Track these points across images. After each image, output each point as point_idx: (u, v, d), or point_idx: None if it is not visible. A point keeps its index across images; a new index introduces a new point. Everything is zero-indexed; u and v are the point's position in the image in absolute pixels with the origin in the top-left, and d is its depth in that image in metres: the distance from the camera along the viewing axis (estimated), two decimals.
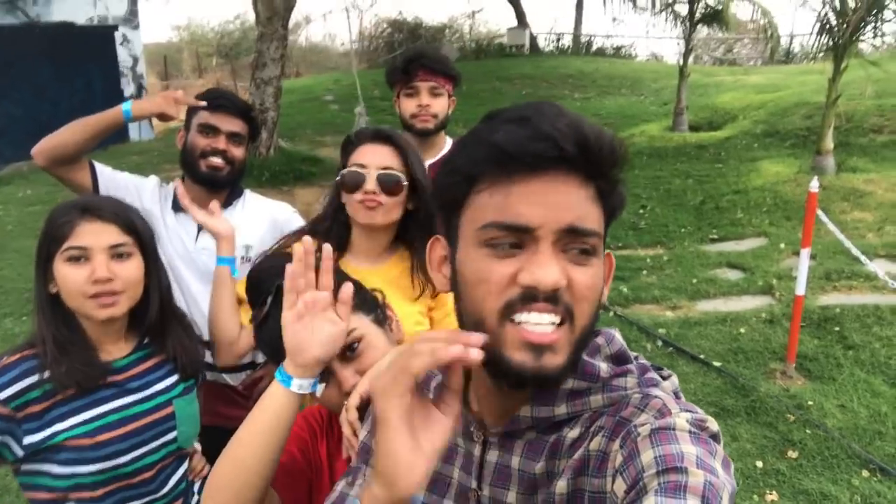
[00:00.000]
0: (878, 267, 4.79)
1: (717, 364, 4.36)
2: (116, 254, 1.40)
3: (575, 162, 0.69)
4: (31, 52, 11.21)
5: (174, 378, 1.55)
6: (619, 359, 0.80)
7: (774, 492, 3.19)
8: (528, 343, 0.69)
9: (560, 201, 0.69)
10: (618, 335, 0.82)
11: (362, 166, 1.63)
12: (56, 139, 1.98)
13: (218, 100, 2.04)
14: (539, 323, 0.69)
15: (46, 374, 1.37)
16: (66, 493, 1.39)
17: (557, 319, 0.69)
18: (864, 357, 4.34)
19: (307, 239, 1.04)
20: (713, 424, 0.70)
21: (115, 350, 1.48)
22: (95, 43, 12.51)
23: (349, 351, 1.15)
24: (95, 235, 1.37)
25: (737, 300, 5.36)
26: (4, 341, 4.69)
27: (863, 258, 4.50)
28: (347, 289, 1.08)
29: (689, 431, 0.67)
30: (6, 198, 8.95)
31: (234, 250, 1.79)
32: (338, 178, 1.68)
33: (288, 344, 1.03)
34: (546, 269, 0.68)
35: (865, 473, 3.29)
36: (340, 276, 1.16)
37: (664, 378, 0.79)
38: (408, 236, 1.72)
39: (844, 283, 5.36)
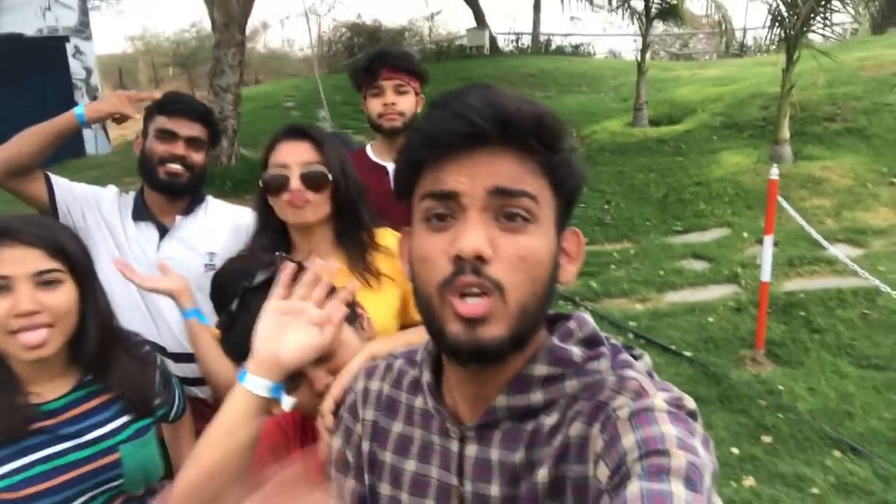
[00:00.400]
0: (838, 251, 4.90)
1: (688, 354, 4.42)
2: (42, 282, 1.24)
3: (495, 135, 0.71)
4: None
5: (123, 419, 1.38)
6: (590, 342, 0.79)
7: (751, 477, 3.23)
8: (461, 316, 0.71)
9: (487, 170, 0.72)
10: (589, 318, 0.82)
11: (284, 166, 1.60)
12: (8, 150, 1.89)
13: (175, 104, 1.97)
14: (469, 294, 0.71)
15: None
16: None
17: (482, 289, 0.71)
18: (830, 340, 4.44)
19: (333, 263, 1.04)
20: (690, 402, 0.71)
21: (49, 391, 1.32)
22: (47, 55, 12.19)
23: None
24: (16, 263, 1.22)
25: (704, 290, 5.44)
26: None
27: (824, 243, 4.60)
28: (339, 311, 1.04)
29: (668, 411, 0.67)
30: None
31: (193, 300, 1.72)
32: (260, 182, 1.63)
33: (258, 333, 0.98)
34: (468, 236, 0.70)
35: (837, 453, 3.35)
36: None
37: (636, 358, 0.79)
38: (341, 230, 1.69)
39: (807, 268, 5.48)
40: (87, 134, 12.65)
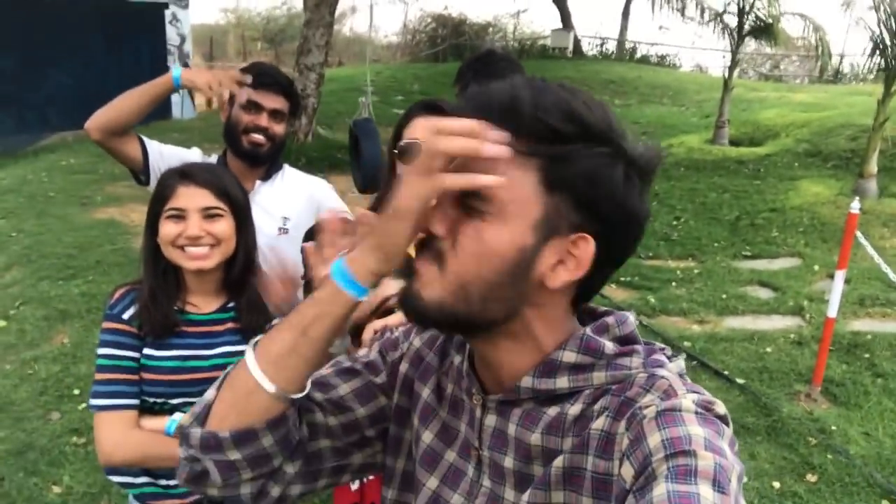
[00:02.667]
0: None
1: (740, 381, 4.32)
2: (208, 215, 1.56)
3: (473, 115, 0.70)
4: (84, 24, 11.47)
5: (243, 346, 1.61)
6: (626, 341, 0.78)
7: None
8: (408, 266, 0.75)
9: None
10: (631, 318, 0.80)
11: (418, 140, 1.66)
12: (110, 111, 2.03)
13: (262, 76, 2.09)
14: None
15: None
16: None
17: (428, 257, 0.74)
18: (894, 386, 4.26)
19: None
20: (720, 407, 0.68)
21: (203, 304, 1.63)
22: (145, 19, 12.75)
23: (385, 314, 1.19)
24: (191, 198, 1.55)
25: (766, 319, 5.29)
26: (42, 303, 4.83)
27: None
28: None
29: (696, 412, 0.66)
30: (51, 165, 9.19)
31: None
32: (395, 151, 1.71)
33: None
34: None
35: (886, 503, 3.23)
36: None
37: (670, 360, 0.77)
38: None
39: (878, 309, 5.26)
40: (175, 98, 13.16)
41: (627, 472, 0.64)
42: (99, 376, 1.54)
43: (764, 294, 5.75)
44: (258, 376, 0.79)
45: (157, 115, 11.00)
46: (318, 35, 9.40)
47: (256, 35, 25.79)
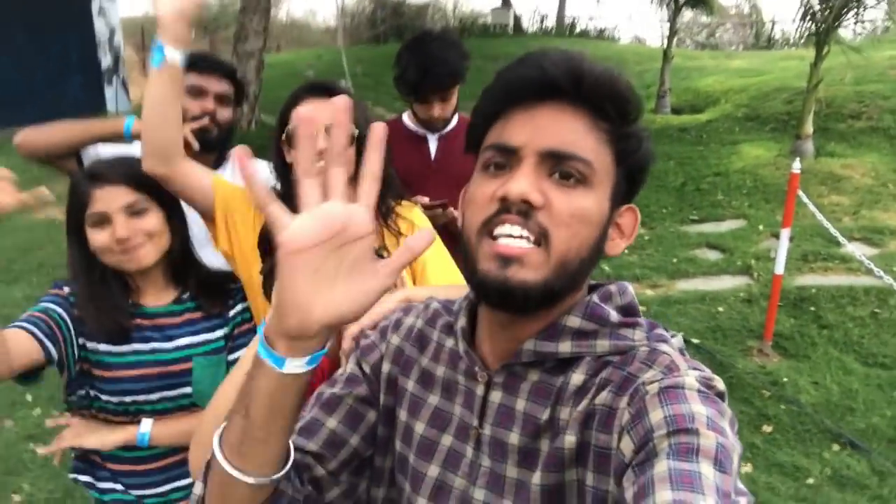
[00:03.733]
0: (854, 249, 4.89)
1: (695, 341, 4.45)
2: (132, 211, 1.47)
3: (567, 91, 0.73)
4: (7, 19, 10.91)
5: (208, 336, 1.58)
6: (628, 311, 0.79)
7: (749, 464, 3.27)
8: (496, 254, 0.72)
9: (549, 127, 0.73)
10: (630, 289, 0.82)
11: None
12: (47, 137, 1.96)
13: (205, 61, 2.03)
14: (510, 235, 0.72)
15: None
16: (101, 413, 1.53)
17: (527, 234, 0.72)
18: (838, 336, 4.45)
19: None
20: (720, 383, 0.69)
21: (154, 298, 1.57)
22: (72, 12, 12.19)
23: None
24: (109, 200, 1.45)
25: (716, 279, 5.45)
26: None
27: (841, 239, 4.59)
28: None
29: (699, 390, 0.66)
30: None
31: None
32: (283, 137, 1.59)
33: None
34: (517, 181, 0.72)
35: (836, 447, 3.39)
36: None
37: (671, 336, 0.78)
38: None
39: (821, 264, 5.47)
40: (109, 92, 12.72)
41: (627, 446, 0.65)
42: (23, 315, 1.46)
43: (713, 256, 5.92)
44: (231, 470, 0.70)
45: (91, 110, 10.59)
46: (256, 21, 9.18)
47: None
